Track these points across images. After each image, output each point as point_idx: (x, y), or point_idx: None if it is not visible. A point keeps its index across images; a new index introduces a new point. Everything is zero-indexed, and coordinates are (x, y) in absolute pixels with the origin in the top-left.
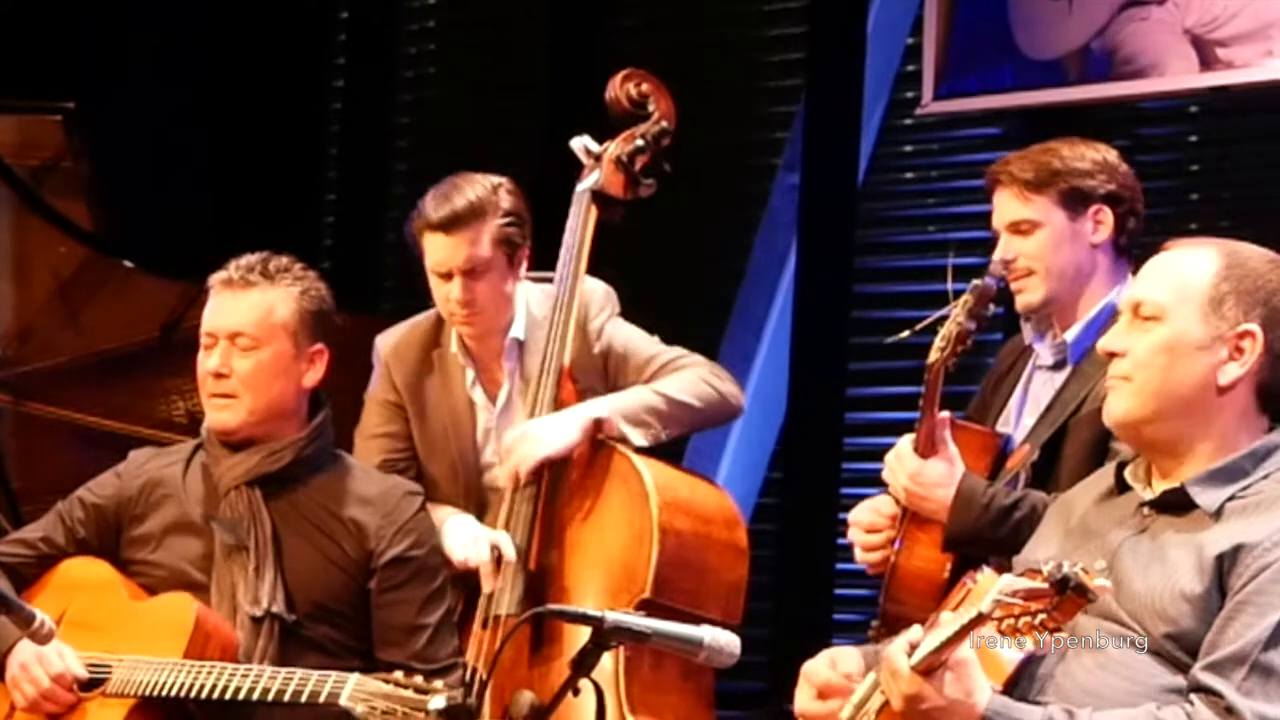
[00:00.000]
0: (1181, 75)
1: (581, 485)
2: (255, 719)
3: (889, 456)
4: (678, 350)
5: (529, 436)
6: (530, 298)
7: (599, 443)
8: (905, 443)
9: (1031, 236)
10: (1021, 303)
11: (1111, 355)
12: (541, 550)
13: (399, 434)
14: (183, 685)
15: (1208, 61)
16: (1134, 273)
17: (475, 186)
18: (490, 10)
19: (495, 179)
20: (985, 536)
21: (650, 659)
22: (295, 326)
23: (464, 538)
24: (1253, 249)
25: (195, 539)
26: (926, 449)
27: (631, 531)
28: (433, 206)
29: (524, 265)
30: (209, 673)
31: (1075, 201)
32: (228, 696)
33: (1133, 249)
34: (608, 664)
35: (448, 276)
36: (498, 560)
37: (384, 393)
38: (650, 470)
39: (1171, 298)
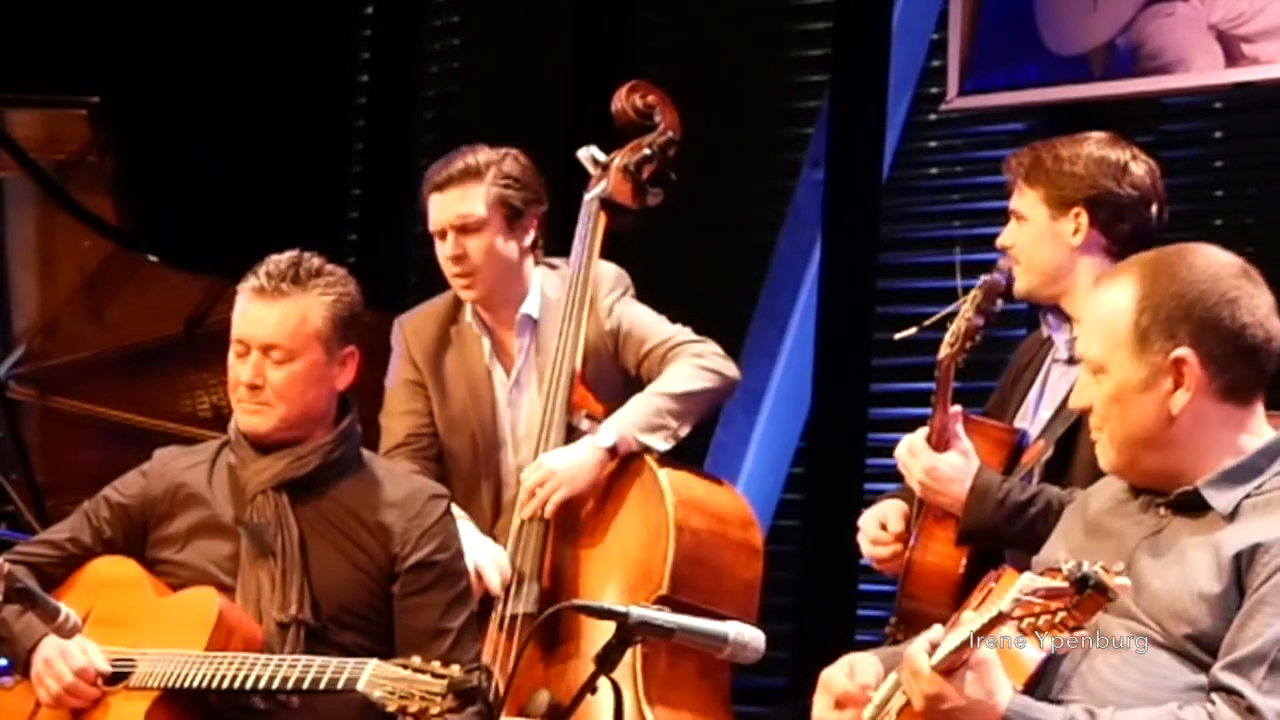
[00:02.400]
0: (1206, 71)
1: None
2: (275, 714)
3: (900, 451)
4: (672, 331)
5: (552, 477)
6: (545, 280)
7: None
8: (918, 437)
9: (1021, 227)
10: (1015, 289)
11: (1085, 412)
12: (557, 550)
13: (422, 410)
14: (204, 676)
15: (1233, 57)
16: None
17: (479, 152)
18: (515, 6)
19: (507, 149)
20: (1000, 532)
21: (667, 655)
22: (328, 334)
23: (477, 553)
24: (1177, 257)
25: (222, 540)
26: (939, 444)
27: (647, 529)
28: (433, 168)
29: (531, 234)
30: (229, 663)
31: (1056, 202)
32: (248, 686)
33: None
34: (625, 660)
35: (443, 236)
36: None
37: (405, 373)
38: (665, 469)
39: (1103, 348)
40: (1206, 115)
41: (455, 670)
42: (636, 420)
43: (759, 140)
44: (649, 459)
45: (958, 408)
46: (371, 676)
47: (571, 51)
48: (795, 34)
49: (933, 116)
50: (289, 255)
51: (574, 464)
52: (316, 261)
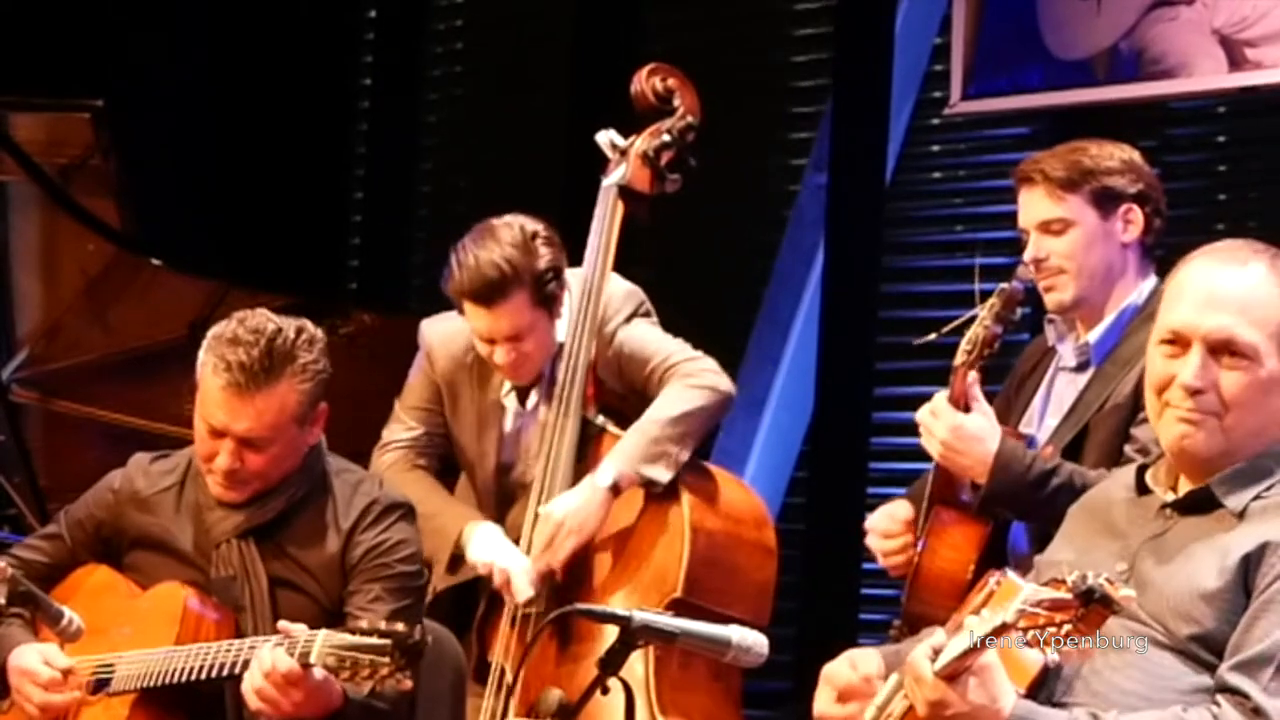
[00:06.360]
0: (1210, 75)
1: None
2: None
3: (922, 413)
4: (669, 350)
5: (560, 529)
6: (566, 300)
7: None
8: (940, 399)
9: (1064, 236)
10: (1053, 301)
11: (1195, 392)
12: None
13: (439, 411)
14: (174, 671)
15: (1236, 62)
16: (1157, 273)
17: (505, 247)
18: (517, 9)
19: (529, 228)
20: (1023, 499)
21: (679, 659)
22: (304, 411)
23: (486, 552)
24: None
25: (188, 569)
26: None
27: (662, 531)
28: (467, 275)
29: (563, 301)
30: (195, 655)
31: (1106, 201)
32: (213, 675)
33: (1155, 249)
34: (638, 664)
35: (491, 342)
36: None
37: (430, 374)
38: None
39: (1261, 336)
40: (1210, 120)
41: (399, 627)
42: (634, 453)
43: (761, 145)
44: None
45: (975, 374)
46: (322, 649)
47: (573, 56)
48: (797, 38)
49: (936, 121)
50: (257, 334)
51: (579, 511)
52: (286, 336)
